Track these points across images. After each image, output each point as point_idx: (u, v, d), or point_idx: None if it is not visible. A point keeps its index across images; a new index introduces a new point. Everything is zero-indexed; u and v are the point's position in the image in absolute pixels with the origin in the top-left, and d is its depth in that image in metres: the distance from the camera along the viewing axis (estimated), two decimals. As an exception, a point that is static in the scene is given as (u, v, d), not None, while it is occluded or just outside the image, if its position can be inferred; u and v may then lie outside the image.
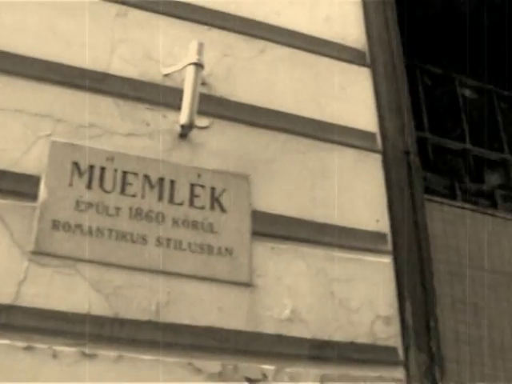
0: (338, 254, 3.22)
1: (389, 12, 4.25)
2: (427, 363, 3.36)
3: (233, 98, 3.40)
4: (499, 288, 4.37)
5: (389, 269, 3.32)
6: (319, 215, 3.27)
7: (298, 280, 3.10)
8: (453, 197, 4.49)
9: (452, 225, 4.33)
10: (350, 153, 3.52)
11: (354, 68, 3.84)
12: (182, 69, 3.20)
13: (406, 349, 3.27)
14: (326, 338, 3.04)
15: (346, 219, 3.31)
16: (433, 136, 4.68)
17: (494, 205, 4.71)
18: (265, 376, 2.87)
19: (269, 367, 2.90)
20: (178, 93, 3.16)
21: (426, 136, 4.62)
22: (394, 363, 3.17)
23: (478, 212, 4.52)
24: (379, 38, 4.09)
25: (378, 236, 3.37)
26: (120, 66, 3.22)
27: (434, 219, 4.23)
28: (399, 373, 3.16)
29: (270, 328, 2.97)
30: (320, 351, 3.02)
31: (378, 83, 3.87)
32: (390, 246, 3.38)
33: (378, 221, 3.39)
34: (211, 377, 2.78)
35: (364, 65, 3.90)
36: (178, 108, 3.14)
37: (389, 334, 3.18)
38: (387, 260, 3.33)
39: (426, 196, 4.17)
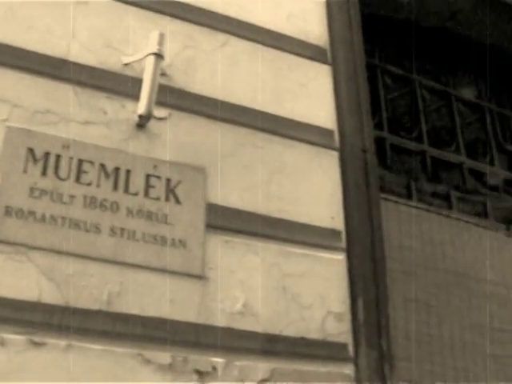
0: (292, 249, 3.23)
1: (352, 11, 4.27)
2: (377, 360, 3.38)
3: (192, 90, 3.39)
4: (451, 288, 4.43)
5: (342, 266, 3.34)
6: (274, 210, 3.27)
7: (251, 274, 3.10)
8: (409, 197, 4.53)
9: (407, 224, 4.38)
10: (307, 149, 3.53)
11: (315, 65, 3.85)
12: (142, 58, 3.18)
13: (357, 346, 3.28)
14: (276, 332, 3.05)
15: (301, 215, 3.32)
16: (391, 136, 4.72)
17: (449, 206, 4.77)
18: (214, 369, 2.87)
19: (219, 360, 2.89)
20: (138, 82, 3.14)
21: (385, 136, 4.66)
22: (343, 359, 3.19)
23: (433, 212, 4.57)
24: (341, 36, 4.11)
25: (333, 233, 3.38)
26: (80, 54, 3.19)
27: (390, 218, 4.27)
28: (349, 369, 3.18)
29: (221, 321, 2.97)
30: (271, 345, 3.02)
31: (338, 81, 3.88)
32: (343, 244, 3.39)
33: (332, 218, 3.40)
34: (161, 368, 2.78)
35: (325, 62, 3.91)
36: (137, 98, 3.12)
37: (340, 331, 3.20)
38: (341, 257, 3.35)
39: (383, 195, 4.21)
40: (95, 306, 2.76)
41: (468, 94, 5.55)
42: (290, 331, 3.07)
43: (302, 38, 3.88)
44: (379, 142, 4.57)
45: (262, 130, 3.45)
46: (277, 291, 3.11)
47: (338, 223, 3.41)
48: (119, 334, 2.76)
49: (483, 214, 4.98)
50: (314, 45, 3.93)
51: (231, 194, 3.22)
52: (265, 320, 3.04)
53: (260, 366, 2.96)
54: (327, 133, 3.65)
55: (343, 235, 3.41)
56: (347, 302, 3.29)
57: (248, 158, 3.35)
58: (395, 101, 4.93)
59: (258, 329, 3.02)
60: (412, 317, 4.15)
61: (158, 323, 2.85)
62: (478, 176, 5.19)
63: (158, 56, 3.14)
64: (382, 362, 3.43)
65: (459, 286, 4.49)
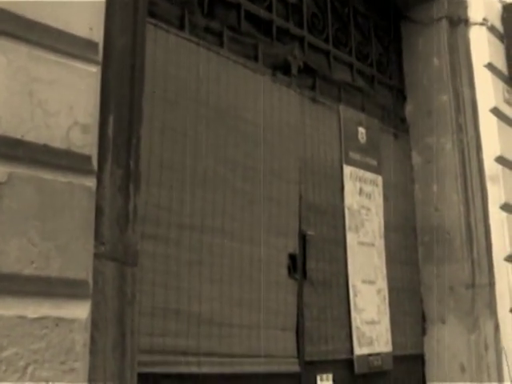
0: (44, 54, 3.06)
1: None
2: (122, 178, 3.43)
3: None
4: (210, 122, 4.57)
5: (95, 79, 3.24)
6: (30, 11, 3.07)
7: (-3, 76, 2.95)
8: (181, 28, 4.51)
9: (175, 54, 4.39)
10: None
11: None
12: None
13: (102, 160, 3.28)
14: (18, 136, 2.92)
15: (57, 20, 3.13)
16: (174, -35, 4.62)
17: (221, 44, 4.82)
18: None
19: None
20: None
21: (168, -36, 4.55)
22: (86, 172, 3.14)
23: (204, 47, 4.62)
24: None
25: (89, 44, 3.23)
26: None
27: (158, 46, 4.27)
28: (90, 182, 3.15)
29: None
30: (10, 149, 2.90)
31: None
32: (100, 57, 3.29)
33: (91, 29, 3.27)
34: None
35: None
36: None
37: (85, 142, 3.13)
38: (95, 69, 3.23)
39: (154, 21, 4.18)
40: None
41: None
42: (33, 137, 2.98)
43: None
44: (159, -31, 4.47)
45: None
46: (22, 95, 2.98)
47: (97, 35, 3.27)
48: None
49: (253, 58, 5.10)
50: None
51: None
52: (6, 123, 2.90)
53: (-2, 168, 2.88)
54: None
55: (100, 48, 3.29)
56: (96, 115, 3.22)
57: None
58: None
59: (-2, 131, 2.91)
60: (168, 145, 4.25)
61: None
62: (254, 20, 5.26)
63: None
64: (128, 181, 3.49)
65: (218, 122, 4.65)
